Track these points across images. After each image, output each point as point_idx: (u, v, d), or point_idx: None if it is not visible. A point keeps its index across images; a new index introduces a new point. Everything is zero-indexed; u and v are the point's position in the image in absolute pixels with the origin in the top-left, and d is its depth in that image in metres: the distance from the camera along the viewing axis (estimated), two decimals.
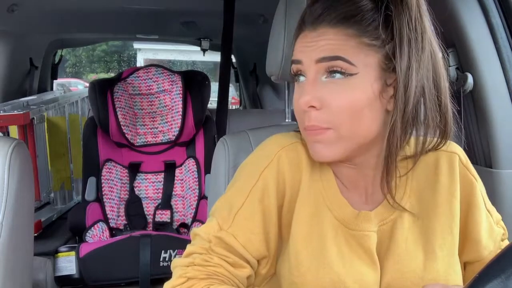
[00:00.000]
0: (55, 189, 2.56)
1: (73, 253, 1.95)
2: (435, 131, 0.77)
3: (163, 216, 2.29)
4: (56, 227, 2.34)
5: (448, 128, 0.78)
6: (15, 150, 1.10)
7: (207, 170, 2.23)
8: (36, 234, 2.01)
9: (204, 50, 3.22)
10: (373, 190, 0.80)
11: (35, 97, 2.68)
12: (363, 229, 0.78)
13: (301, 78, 0.76)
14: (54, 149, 2.54)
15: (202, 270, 0.74)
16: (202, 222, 2.08)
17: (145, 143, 2.34)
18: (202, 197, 2.25)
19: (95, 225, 2.12)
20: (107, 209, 2.22)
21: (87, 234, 2.08)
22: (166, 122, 2.34)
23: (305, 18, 0.76)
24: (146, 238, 1.96)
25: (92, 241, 2.06)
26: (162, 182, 2.33)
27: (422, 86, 0.72)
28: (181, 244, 1.93)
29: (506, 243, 0.86)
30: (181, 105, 2.28)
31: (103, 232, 2.14)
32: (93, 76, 12.82)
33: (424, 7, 0.74)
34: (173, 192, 2.33)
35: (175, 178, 2.34)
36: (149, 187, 2.34)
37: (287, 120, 1.24)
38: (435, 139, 0.79)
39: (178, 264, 0.76)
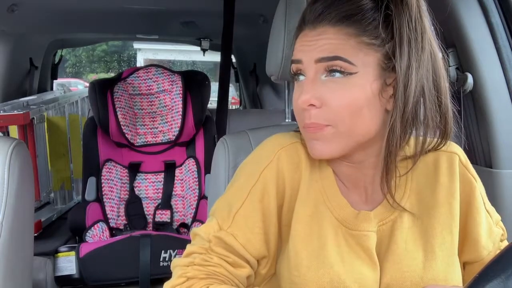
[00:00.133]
0: (55, 189, 2.56)
1: (73, 253, 1.95)
2: (435, 131, 0.77)
3: (163, 216, 2.29)
4: (56, 227, 2.34)
5: (449, 129, 0.78)
6: (15, 150, 1.10)
7: (207, 170, 2.23)
8: (36, 234, 2.01)
9: (204, 50, 3.23)
10: (373, 190, 0.80)
11: (35, 97, 2.68)
12: (363, 229, 0.78)
13: (301, 77, 0.77)
14: (54, 149, 2.54)
15: (202, 270, 0.74)
16: (202, 222, 2.08)
17: (145, 143, 2.34)
18: (202, 197, 2.25)
19: (95, 225, 2.12)
20: (107, 209, 2.22)
21: (87, 234, 2.08)
22: (166, 122, 2.34)
23: (305, 17, 0.76)
24: (146, 238, 1.96)
25: (92, 241, 2.06)
26: (162, 182, 2.34)
27: (421, 86, 0.72)
28: (181, 244, 1.93)
29: (505, 243, 0.86)
30: (181, 105, 2.28)
31: (103, 232, 2.14)
32: (93, 76, 12.82)
33: (424, 7, 0.74)
34: (173, 192, 2.33)
35: (175, 178, 2.34)
36: (149, 187, 2.34)
37: (287, 120, 1.24)
38: (435, 139, 0.79)
39: (178, 264, 0.76)
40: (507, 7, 1.22)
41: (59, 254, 1.96)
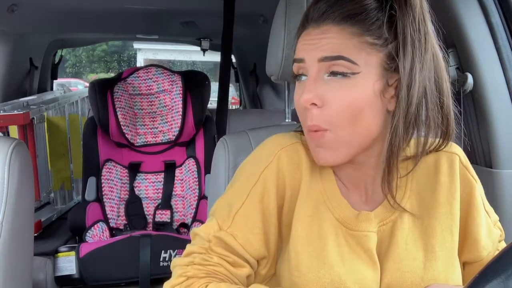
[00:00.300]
0: (55, 189, 2.56)
1: (73, 253, 1.95)
2: (437, 132, 0.77)
3: (163, 216, 2.29)
4: (56, 227, 2.34)
5: (450, 130, 0.78)
6: (15, 150, 1.10)
7: (207, 170, 2.23)
8: (36, 234, 2.01)
9: (204, 50, 3.23)
10: (373, 190, 0.80)
11: (35, 97, 2.68)
12: (363, 229, 0.78)
13: (303, 78, 0.76)
14: (54, 149, 2.54)
15: (201, 269, 0.74)
16: (202, 222, 2.08)
17: (145, 143, 2.34)
18: (202, 197, 2.25)
19: (95, 225, 2.12)
20: (107, 209, 2.22)
21: (87, 234, 2.08)
22: (166, 122, 2.34)
23: (308, 16, 0.76)
24: (146, 238, 1.96)
25: (92, 241, 2.06)
26: (162, 182, 2.34)
27: (424, 87, 0.72)
28: (181, 244, 1.93)
29: (503, 244, 0.87)
30: (181, 105, 2.28)
31: (103, 232, 2.14)
32: (93, 76, 12.83)
33: (427, 9, 0.74)
34: (173, 192, 2.33)
35: (175, 178, 2.34)
36: (149, 187, 2.34)
37: (287, 120, 1.24)
38: (437, 140, 0.79)
39: (178, 263, 0.76)
40: (507, 7, 1.22)
41: (59, 254, 1.96)
